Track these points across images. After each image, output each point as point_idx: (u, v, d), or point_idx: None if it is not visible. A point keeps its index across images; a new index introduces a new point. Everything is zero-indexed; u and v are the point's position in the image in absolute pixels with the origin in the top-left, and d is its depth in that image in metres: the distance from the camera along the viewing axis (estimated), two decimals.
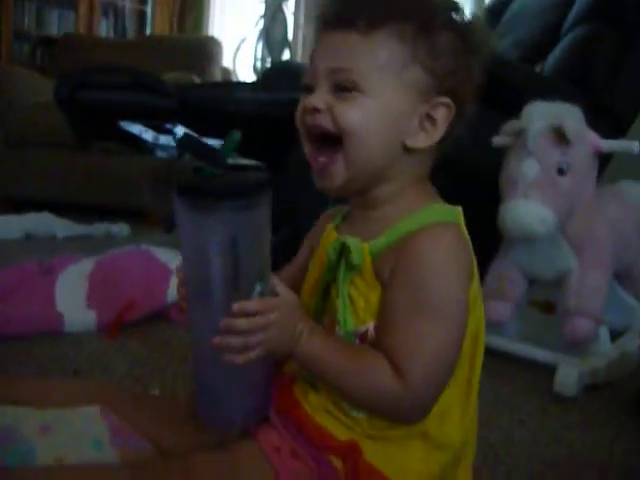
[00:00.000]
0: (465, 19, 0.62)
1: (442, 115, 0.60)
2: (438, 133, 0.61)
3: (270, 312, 0.55)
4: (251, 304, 0.54)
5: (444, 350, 0.57)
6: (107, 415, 0.69)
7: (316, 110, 0.59)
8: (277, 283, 0.57)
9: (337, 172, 0.60)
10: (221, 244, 0.53)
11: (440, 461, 0.61)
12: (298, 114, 0.61)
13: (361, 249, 0.59)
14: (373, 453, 0.59)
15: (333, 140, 0.59)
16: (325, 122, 0.59)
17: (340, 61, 0.59)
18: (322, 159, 0.60)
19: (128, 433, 0.68)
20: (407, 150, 0.61)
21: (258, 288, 0.55)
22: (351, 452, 0.59)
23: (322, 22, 0.61)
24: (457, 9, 0.62)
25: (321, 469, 0.59)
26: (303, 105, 0.60)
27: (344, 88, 0.58)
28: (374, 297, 0.59)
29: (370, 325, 0.59)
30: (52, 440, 0.65)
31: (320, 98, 0.59)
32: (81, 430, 0.67)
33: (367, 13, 0.58)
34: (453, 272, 0.57)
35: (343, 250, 0.59)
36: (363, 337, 0.59)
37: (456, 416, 0.61)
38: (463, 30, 0.61)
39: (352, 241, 0.59)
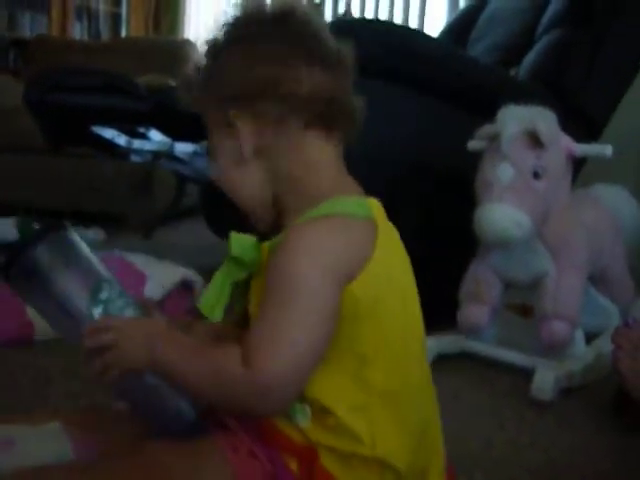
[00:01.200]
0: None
1: (240, 122, 0.63)
2: (251, 137, 0.64)
3: (105, 333, 0.61)
4: (86, 328, 0.62)
5: (295, 338, 0.56)
6: (70, 429, 0.67)
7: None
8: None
9: (256, 222, 0.67)
10: (35, 295, 0.65)
11: None
12: None
13: (247, 243, 0.61)
14: (331, 461, 0.59)
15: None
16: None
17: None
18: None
19: (91, 446, 0.67)
20: (245, 164, 0.65)
21: (98, 311, 0.63)
22: (307, 455, 0.59)
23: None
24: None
25: (277, 470, 0.59)
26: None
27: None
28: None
29: None
30: (15, 454, 0.63)
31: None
32: (44, 444, 0.66)
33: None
34: (311, 260, 0.57)
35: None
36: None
37: (391, 435, 0.60)
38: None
39: (237, 235, 0.61)
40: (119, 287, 0.66)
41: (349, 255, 0.59)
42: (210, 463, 0.60)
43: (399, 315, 0.62)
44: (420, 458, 0.63)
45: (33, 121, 1.67)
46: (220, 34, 0.67)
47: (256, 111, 0.63)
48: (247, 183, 0.65)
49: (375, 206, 0.64)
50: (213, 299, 0.63)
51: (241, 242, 0.61)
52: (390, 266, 0.62)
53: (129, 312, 0.65)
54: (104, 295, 0.64)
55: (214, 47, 0.66)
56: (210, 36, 0.67)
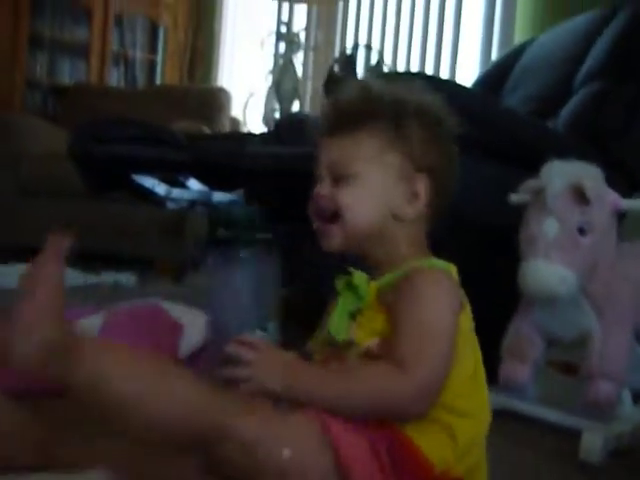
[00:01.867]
0: (431, 108, 0.78)
1: (422, 188, 0.77)
2: (421, 203, 0.77)
3: (244, 359, 0.69)
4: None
5: (439, 355, 0.69)
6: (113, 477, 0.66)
7: (322, 196, 0.77)
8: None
9: (335, 236, 0.77)
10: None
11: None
12: (311, 198, 0.79)
13: (364, 279, 0.75)
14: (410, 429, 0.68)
15: (334, 216, 0.77)
16: (327, 204, 0.77)
17: (335, 158, 0.77)
18: (325, 227, 0.77)
19: None
20: (398, 219, 0.77)
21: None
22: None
23: (321, 132, 0.80)
24: (423, 104, 0.78)
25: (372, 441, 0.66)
26: (314, 192, 0.78)
27: (340, 177, 0.76)
28: (379, 320, 0.72)
29: (375, 341, 0.72)
30: None
31: (324, 187, 0.77)
32: None
33: (350, 121, 0.77)
34: (443, 300, 0.72)
35: (350, 285, 0.75)
36: (369, 351, 0.72)
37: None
38: (429, 119, 0.78)
39: (359, 276, 0.75)
40: None
41: (458, 299, 0.74)
42: (309, 431, 0.66)
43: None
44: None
45: (73, 168, 1.70)
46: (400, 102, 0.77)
47: (435, 183, 0.77)
48: (369, 219, 0.77)
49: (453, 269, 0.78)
50: (339, 325, 0.74)
51: (360, 276, 0.75)
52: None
53: None
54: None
55: (400, 111, 0.76)
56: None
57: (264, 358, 0.70)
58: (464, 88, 1.49)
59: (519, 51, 2.17)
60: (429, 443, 0.68)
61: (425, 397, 0.68)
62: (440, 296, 0.72)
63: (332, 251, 0.78)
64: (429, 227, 0.81)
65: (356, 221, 0.76)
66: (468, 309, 0.75)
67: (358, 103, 0.78)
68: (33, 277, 0.68)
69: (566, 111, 1.71)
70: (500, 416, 1.21)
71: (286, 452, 0.64)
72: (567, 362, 1.31)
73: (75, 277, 2.35)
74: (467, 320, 0.75)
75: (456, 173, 0.81)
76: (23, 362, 0.64)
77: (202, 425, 0.64)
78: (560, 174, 1.12)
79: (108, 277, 2.41)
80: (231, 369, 0.69)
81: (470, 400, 0.73)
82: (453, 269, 0.76)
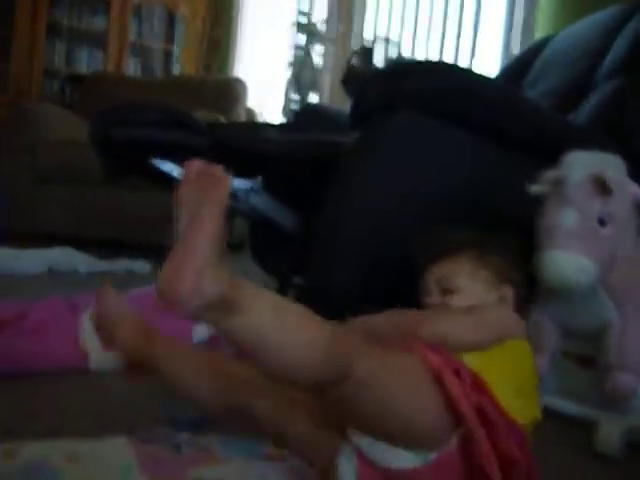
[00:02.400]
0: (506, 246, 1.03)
1: (508, 295, 0.98)
2: (509, 304, 0.98)
3: None
4: None
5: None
6: (135, 443, 0.68)
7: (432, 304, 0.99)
8: None
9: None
10: None
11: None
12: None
13: None
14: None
15: None
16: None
17: (444, 275, 0.99)
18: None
19: (158, 460, 0.67)
20: None
21: None
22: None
23: (426, 260, 1.03)
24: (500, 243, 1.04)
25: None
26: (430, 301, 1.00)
27: (447, 290, 0.98)
28: None
29: None
30: (80, 468, 0.64)
31: (434, 297, 0.99)
32: (109, 458, 0.67)
33: (454, 249, 1.01)
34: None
35: None
36: None
37: None
38: (504, 251, 1.02)
39: None
40: None
41: None
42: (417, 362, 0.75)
43: None
44: None
45: (92, 154, 1.71)
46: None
47: (517, 289, 1.00)
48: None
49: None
50: None
51: None
52: None
53: None
54: None
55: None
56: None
57: None
58: (485, 77, 1.48)
59: (540, 45, 2.15)
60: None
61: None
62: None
63: None
64: None
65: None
66: None
67: (460, 238, 1.03)
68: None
69: (587, 106, 1.70)
70: None
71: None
72: (583, 354, 1.30)
73: (90, 263, 2.37)
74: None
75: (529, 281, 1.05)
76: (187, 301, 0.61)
77: (329, 369, 0.67)
78: (581, 164, 1.11)
79: (122, 264, 2.43)
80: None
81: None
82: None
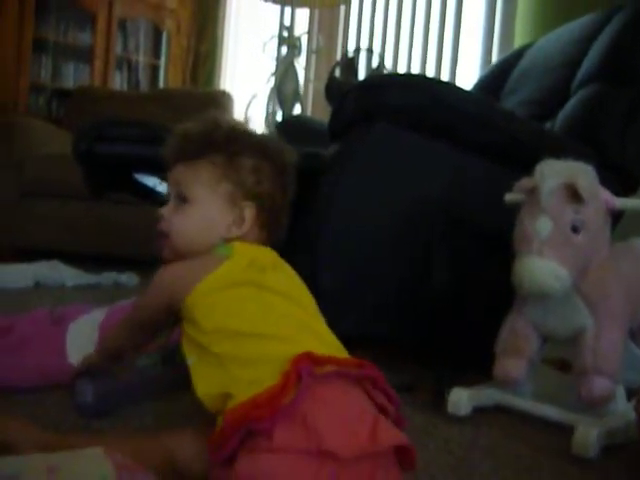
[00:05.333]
0: (266, 145, 0.94)
1: (248, 215, 0.91)
2: (246, 227, 0.91)
3: None
4: None
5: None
6: (112, 454, 0.69)
7: (160, 216, 0.94)
8: None
9: (164, 250, 0.94)
10: None
11: None
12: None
13: None
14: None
15: (166, 234, 0.93)
16: (163, 224, 0.93)
17: (178, 181, 0.93)
18: (158, 241, 0.94)
19: (135, 468, 0.69)
20: (225, 238, 0.91)
21: None
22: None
23: (167, 160, 0.95)
24: (259, 142, 0.94)
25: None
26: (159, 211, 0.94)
27: (181, 198, 0.92)
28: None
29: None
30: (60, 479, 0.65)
31: (166, 208, 0.94)
32: (88, 468, 0.68)
33: (193, 150, 0.92)
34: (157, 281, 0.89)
35: None
36: None
37: None
38: (262, 155, 0.92)
39: None
40: None
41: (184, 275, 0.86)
42: None
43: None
44: None
45: (77, 169, 1.72)
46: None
47: (264, 209, 0.92)
48: (195, 240, 0.91)
49: (241, 247, 0.89)
50: None
51: None
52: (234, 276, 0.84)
53: None
54: None
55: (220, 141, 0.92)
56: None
57: None
58: (462, 90, 1.50)
59: (517, 55, 2.19)
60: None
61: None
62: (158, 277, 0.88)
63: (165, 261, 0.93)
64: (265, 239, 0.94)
65: (178, 241, 0.92)
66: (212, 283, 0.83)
67: (201, 135, 0.93)
68: None
69: (563, 114, 1.73)
70: (495, 412, 1.23)
71: None
72: (562, 359, 1.32)
73: (77, 277, 2.37)
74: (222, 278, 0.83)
75: (289, 202, 0.96)
76: None
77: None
78: (553, 173, 1.13)
79: (110, 277, 2.43)
80: None
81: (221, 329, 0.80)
82: (232, 247, 0.87)
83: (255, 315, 0.80)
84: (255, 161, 0.92)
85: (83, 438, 0.83)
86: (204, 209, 0.91)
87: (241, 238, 0.92)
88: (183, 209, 0.92)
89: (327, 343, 0.83)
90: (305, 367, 0.70)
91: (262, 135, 0.96)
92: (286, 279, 0.90)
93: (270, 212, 0.93)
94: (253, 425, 0.67)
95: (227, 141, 0.92)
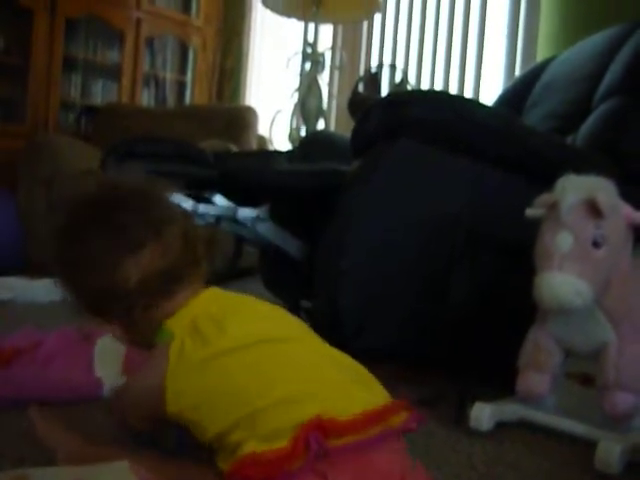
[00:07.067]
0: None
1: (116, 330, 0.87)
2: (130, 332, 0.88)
3: None
4: None
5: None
6: (136, 468, 0.71)
7: None
8: None
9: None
10: None
11: None
12: None
13: None
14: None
15: None
16: None
17: None
18: None
19: None
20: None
21: None
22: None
23: None
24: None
25: None
26: None
27: None
28: None
29: None
30: None
31: None
32: None
33: None
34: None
35: None
36: None
37: None
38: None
39: None
40: None
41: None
42: None
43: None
44: None
45: None
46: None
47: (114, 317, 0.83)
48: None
49: (175, 321, 0.81)
50: None
51: None
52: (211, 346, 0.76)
53: None
54: None
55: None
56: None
57: None
58: (483, 106, 1.52)
59: (540, 69, 2.19)
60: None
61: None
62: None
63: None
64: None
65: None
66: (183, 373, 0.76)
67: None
68: None
69: (585, 128, 1.73)
70: (518, 427, 1.23)
71: None
72: (585, 373, 1.32)
73: None
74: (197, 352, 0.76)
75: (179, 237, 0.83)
76: None
77: None
78: (574, 188, 1.14)
79: None
80: None
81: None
82: (166, 333, 0.80)
83: (249, 387, 0.73)
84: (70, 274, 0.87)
85: (119, 451, 0.81)
86: None
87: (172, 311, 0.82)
88: None
89: (339, 363, 0.79)
90: (314, 435, 0.67)
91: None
92: (253, 315, 0.83)
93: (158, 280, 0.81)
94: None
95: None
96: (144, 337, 0.83)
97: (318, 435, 0.66)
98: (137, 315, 0.81)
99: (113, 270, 0.79)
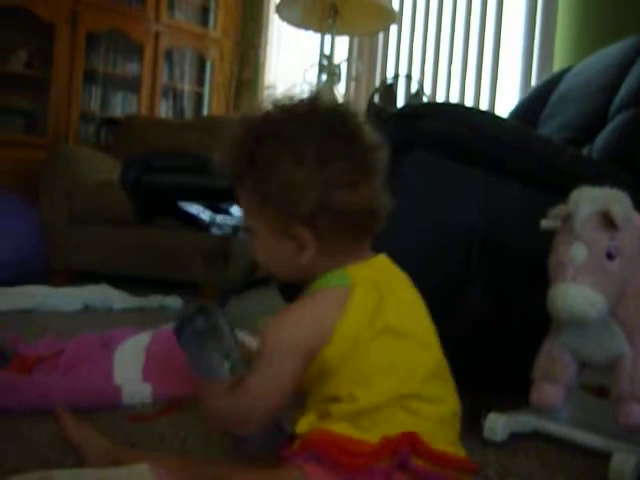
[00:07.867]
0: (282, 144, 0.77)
1: (305, 239, 0.76)
2: (312, 249, 0.76)
3: None
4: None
5: (260, 381, 0.75)
6: (157, 469, 0.73)
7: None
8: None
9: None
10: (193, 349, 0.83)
11: None
12: None
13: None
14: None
15: None
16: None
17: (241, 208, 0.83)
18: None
19: None
20: (298, 267, 0.78)
21: (227, 364, 0.79)
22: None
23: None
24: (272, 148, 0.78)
25: None
26: None
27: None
28: None
29: None
30: None
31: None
32: None
33: (231, 172, 0.79)
34: (293, 322, 0.75)
35: None
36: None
37: None
38: (310, 144, 0.76)
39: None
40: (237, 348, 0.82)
41: (331, 319, 0.74)
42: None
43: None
44: None
45: (125, 197, 1.79)
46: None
47: (317, 227, 0.75)
48: (279, 269, 0.81)
49: (359, 270, 0.78)
50: None
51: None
52: (371, 314, 0.75)
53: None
54: (233, 355, 0.80)
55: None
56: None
57: None
58: (498, 118, 1.52)
59: (556, 79, 2.20)
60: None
61: (246, 416, 0.77)
62: (290, 319, 0.76)
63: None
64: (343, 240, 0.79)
65: (268, 269, 0.83)
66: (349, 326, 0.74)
67: (234, 147, 0.78)
68: None
69: (600, 139, 1.73)
70: (532, 438, 1.24)
71: None
72: (600, 384, 1.32)
73: (124, 300, 2.45)
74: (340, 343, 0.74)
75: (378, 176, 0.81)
76: None
77: None
78: (587, 200, 1.14)
79: (155, 300, 2.50)
80: None
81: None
82: (344, 276, 0.77)
83: (399, 371, 0.76)
84: (293, 166, 0.73)
85: (149, 454, 0.85)
86: (263, 241, 0.79)
87: (317, 257, 0.77)
88: (253, 239, 0.81)
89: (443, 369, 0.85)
90: (404, 446, 0.70)
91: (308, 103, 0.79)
92: (401, 302, 0.81)
93: (331, 223, 0.75)
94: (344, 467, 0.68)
95: (256, 146, 0.75)
96: (314, 265, 0.77)
97: (407, 448, 0.70)
98: (328, 237, 0.76)
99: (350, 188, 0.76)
